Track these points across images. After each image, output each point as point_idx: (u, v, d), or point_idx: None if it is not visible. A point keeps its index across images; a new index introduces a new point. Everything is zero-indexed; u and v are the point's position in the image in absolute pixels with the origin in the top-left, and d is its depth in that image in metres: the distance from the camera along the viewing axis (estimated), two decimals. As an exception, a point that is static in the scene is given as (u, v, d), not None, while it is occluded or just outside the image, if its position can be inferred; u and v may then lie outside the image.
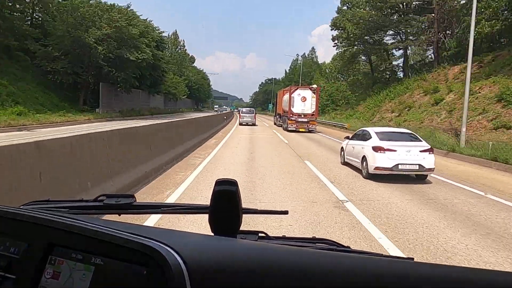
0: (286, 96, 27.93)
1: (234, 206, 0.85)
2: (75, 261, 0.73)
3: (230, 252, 0.72)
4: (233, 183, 0.86)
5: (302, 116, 25.90)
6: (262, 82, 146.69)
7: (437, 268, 0.69)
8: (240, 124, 32.74)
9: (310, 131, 26.09)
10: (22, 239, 0.78)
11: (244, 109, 36.84)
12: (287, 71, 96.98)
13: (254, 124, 32.74)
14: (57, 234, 0.75)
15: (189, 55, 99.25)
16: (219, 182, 0.86)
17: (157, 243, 0.68)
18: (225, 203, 0.85)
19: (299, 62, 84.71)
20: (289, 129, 25.86)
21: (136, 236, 0.70)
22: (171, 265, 0.63)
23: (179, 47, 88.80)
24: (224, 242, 0.79)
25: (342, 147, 10.74)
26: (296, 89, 26.61)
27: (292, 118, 25.85)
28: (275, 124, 36.35)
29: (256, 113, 36.54)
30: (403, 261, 0.79)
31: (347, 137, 10.39)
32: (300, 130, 25.79)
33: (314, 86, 28.16)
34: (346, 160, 10.18)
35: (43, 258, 0.75)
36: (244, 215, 0.90)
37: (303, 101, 25.98)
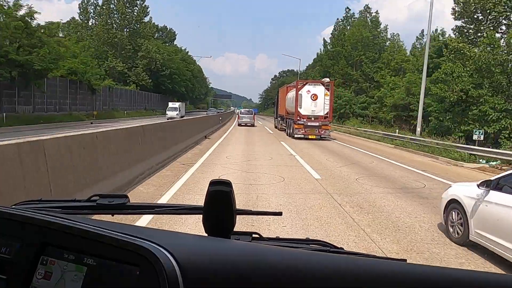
0: (291, 94, 22.05)
1: (228, 207, 0.83)
2: (67, 261, 0.72)
3: (224, 253, 0.71)
4: (227, 184, 0.84)
5: (313, 119, 20.05)
6: (275, 75, 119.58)
7: (430, 269, 0.70)
8: (239, 125, 31.97)
9: (321, 138, 20.27)
10: (14, 239, 0.77)
11: (243, 110, 37.32)
12: (328, 41, 51.17)
13: (252, 125, 32.14)
14: (49, 234, 0.74)
15: (168, 29, 67.52)
16: (213, 183, 0.84)
17: (150, 243, 0.67)
18: (219, 204, 0.83)
19: (351, 22, 47.60)
20: (295, 136, 20.01)
21: (129, 237, 0.69)
22: (164, 265, 0.62)
23: (135, 8, 50.80)
24: (218, 243, 0.78)
25: (455, 200, 4.70)
26: (304, 85, 20.67)
27: (300, 122, 19.97)
28: (275, 127, 30.59)
29: (255, 114, 36.50)
30: (395, 262, 0.78)
31: (486, 183, 4.28)
32: (310, 137, 19.95)
33: (327, 80, 22.12)
34: (474, 234, 4.24)
35: (35, 258, 0.74)
36: (238, 216, 0.88)
37: (313, 99, 20.11)
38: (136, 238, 0.68)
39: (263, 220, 4.92)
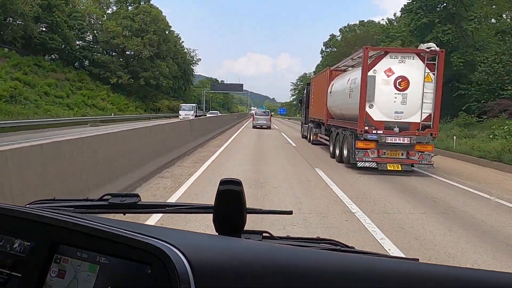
0: (346, 80, 11.33)
1: (238, 205, 0.84)
2: (80, 260, 0.73)
3: (234, 252, 0.72)
4: (237, 183, 0.84)
5: (397, 129, 9.39)
6: (326, 44, 68.27)
7: (442, 269, 0.69)
8: (254, 127, 29.42)
9: (411, 170, 9.69)
10: (28, 238, 0.79)
11: (258, 111, 35.41)
12: None
13: (268, 128, 29.50)
14: (62, 233, 0.76)
15: None
16: (223, 182, 0.85)
17: (161, 242, 0.68)
18: (229, 203, 0.84)
19: None
20: (358, 163, 9.45)
21: (140, 235, 0.70)
22: (175, 264, 0.64)
23: None
24: (228, 242, 0.78)
25: None
26: (381, 57, 9.77)
27: (370, 137, 9.34)
28: (303, 137, 20.03)
29: (271, 115, 33.54)
30: (407, 262, 0.78)
31: None
32: (390, 168, 9.35)
33: (431, 45, 11.02)
34: None
35: (49, 257, 0.75)
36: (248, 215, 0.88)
37: (400, 88, 9.41)
38: (147, 237, 0.68)
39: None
